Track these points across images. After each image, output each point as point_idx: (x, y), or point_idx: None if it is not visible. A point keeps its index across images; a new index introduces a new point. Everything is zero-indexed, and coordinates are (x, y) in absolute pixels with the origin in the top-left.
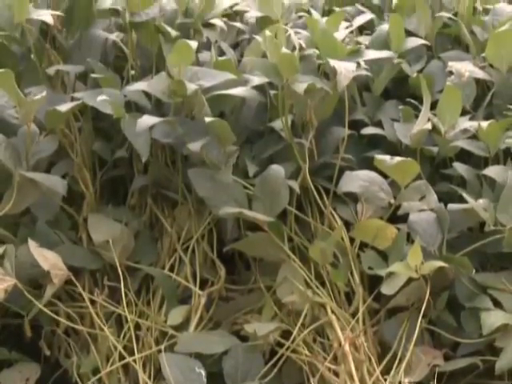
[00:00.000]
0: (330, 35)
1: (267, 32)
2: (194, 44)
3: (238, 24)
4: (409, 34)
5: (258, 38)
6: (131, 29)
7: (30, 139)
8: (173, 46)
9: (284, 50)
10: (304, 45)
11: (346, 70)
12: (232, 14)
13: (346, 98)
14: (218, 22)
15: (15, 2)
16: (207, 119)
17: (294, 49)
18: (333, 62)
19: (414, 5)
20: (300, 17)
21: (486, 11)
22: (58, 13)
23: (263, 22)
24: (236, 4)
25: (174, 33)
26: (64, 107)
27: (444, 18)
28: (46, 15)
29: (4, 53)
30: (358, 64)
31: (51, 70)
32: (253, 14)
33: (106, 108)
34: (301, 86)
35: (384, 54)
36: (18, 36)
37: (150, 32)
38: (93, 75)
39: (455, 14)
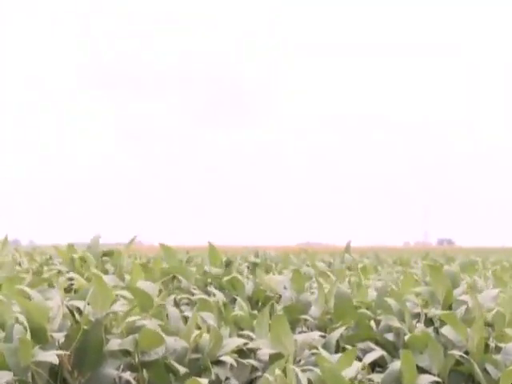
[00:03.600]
0: (338, 375)
1: (277, 370)
2: (204, 381)
3: (251, 361)
4: (422, 370)
5: (268, 375)
6: (142, 368)
7: None
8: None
9: None
10: (313, 381)
11: None
12: (245, 352)
13: None
14: (228, 359)
15: (21, 346)
16: None
17: None
18: None
19: (426, 342)
20: (313, 353)
21: (499, 349)
22: (66, 352)
23: (275, 359)
24: (249, 342)
25: (183, 370)
26: None
27: (456, 356)
28: (52, 356)
29: None
30: None
31: None
32: (265, 352)
33: None
34: None
35: None
36: (27, 379)
37: (161, 370)
38: None
39: (467, 352)
